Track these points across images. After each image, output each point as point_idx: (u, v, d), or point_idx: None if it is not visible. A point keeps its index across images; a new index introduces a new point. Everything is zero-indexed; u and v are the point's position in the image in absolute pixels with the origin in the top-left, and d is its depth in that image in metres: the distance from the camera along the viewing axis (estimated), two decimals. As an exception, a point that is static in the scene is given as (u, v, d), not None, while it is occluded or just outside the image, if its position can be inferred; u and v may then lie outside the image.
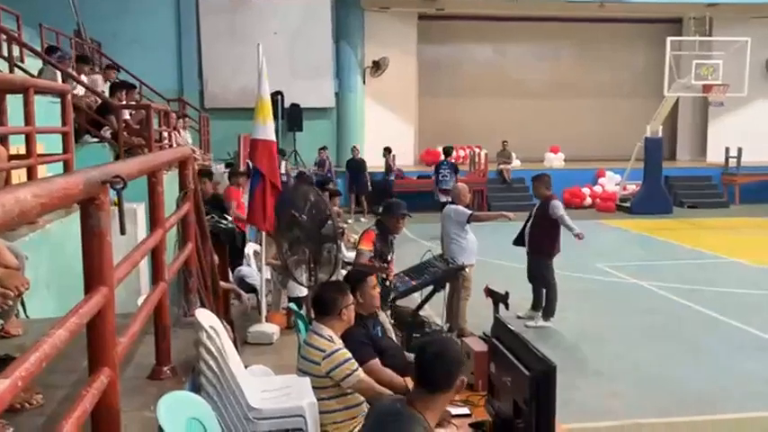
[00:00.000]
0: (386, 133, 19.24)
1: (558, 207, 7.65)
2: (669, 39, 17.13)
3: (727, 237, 14.21)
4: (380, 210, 5.86)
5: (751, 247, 12.97)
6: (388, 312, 5.29)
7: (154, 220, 2.98)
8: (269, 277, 7.20)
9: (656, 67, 19.61)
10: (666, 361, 6.77)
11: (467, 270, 6.93)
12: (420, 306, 6.01)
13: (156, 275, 3.03)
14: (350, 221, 14.69)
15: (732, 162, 19.16)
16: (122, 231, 1.96)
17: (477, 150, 18.84)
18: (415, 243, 12.74)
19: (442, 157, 15.23)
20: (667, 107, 17.49)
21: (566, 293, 9.37)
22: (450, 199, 16.59)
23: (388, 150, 17.27)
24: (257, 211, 6.31)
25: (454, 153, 20.49)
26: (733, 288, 9.72)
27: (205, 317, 3.33)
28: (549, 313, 7.83)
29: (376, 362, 3.77)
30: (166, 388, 2.79)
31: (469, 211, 7.17)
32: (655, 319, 8.22)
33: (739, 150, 18.95)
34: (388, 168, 17.01)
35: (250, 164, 6.60)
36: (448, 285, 6.61)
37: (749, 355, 6.94)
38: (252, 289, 7.12)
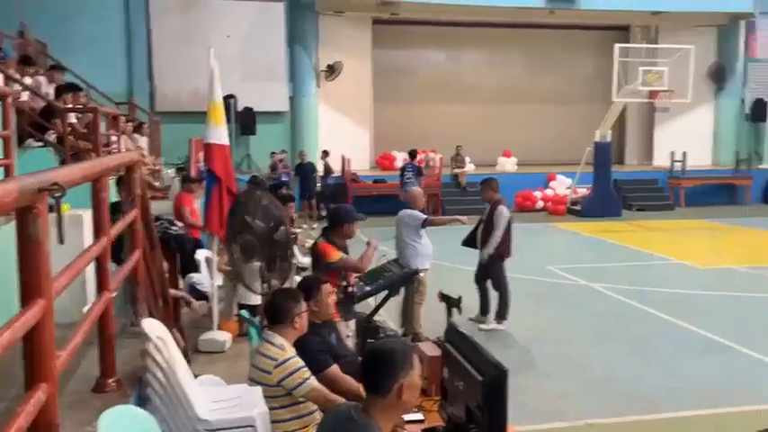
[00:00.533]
0: (341, 137, 19.21)
1: (501, 213, 7.74)
2: (617, 46, 17.53)
3: (675, 239, 14.59)
4: (329, 218, 5.79)
5: (697, 248, 13.35)
6: (353, 321, 5.24)
7: (98, 227, 2.89)
8: (221, 284, 7.09)
9: (604, 73, 20.04)
10: (616, 362, 6.89)
11: (421, 275, 6.94)
12: (375, 311, 5.98)
13: (100, 285, 2.94)
14: (304, 226, 14.59)
15: (677, 166, 19.74)
16: (61, 240, 1.89)
17: (431, 155, 18.94)
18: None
19: (408, 159, 16.01)
20: (616, 112, 17.89)
21: (518, 296, 9.45)
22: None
23: (325, 153, 17.24)
24: (214, 217, 6.22)
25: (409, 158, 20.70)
26: (681, 289, 9.97)
27: (153, 326, 3.25)
28: (502, 315, 7.90)
29: (335, 368, 3.75)
30: (111, 401, 2.70)
31: (424, 216, 7.19)
32: (605, 321, 8.36)
33: (684, 154, 19.53)
34: (327, 171, 16.93)
35: (202, 168, 6.51)
36: (402, 290, 6.59)
37: (696, 355, 7.12)
38: (204, 296, 7.00)
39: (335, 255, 5.45)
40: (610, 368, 6.69)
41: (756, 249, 13.38)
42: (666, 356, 7.08)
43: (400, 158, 20.52)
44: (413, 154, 16.29)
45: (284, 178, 16.47)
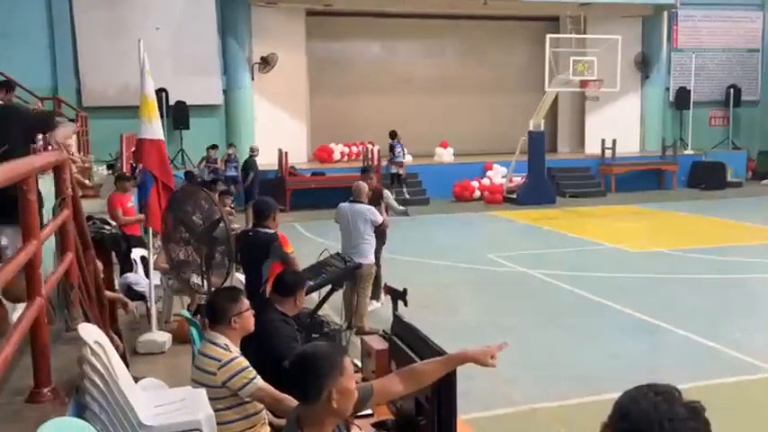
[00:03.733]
0: (278, 130, 18.98)
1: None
2: (548, 36, 17.88)
3: (607, 224, 15.05)
4: (260, 209, 5.77)
5: (628, 233, 13.80)
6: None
7: (26, 230, 2.75)
8: (158, 283, 6.93)
9: (537, 63, 20.44)
10: (556, 346, 7.06)
11: (366, 267, 6.96)
12: (318, 306, 5.96)
13: (31, 290, 2.80)
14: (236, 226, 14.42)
15: (608, 153, 20.31)
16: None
17: (370, 147, 18.93)
18: (310, 241, 12.64)
19: (391, 139, 18.10)
20: (548, 102, 18.26)
21: (458, 285, 9.61)
22: (400, 172, 17.10)
23: (212, 147, 16.87)
24: (155, 214, 6.10)
25: (347, 149, 20.66)
26: (614, 273, 10.29)
27: (89, 331, 3.12)
28: (377, 296, 8.01)
29: None
30: (47, 412, 2.59)
31: (382, 218, 7.36)
32: (545, 306, 8.56)
33: (614, 142, 20.11)
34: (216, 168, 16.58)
35: (135, 165, 6.37)
36: (345, 284, 6.59)
37: (631, 336, 7.36)
38: (140, 297, 6.83)
39: (291, 248, 5.50)
40: (552, 352, 6.85)
41: (683, 232, 13.93)
42: (605, 338, 7.30)
43: (338, 151, 20.44)
44: (394, 133, 18.12)
45: (231, 173, 16.24)
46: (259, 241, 5.57)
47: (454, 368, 2.72)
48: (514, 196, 18.09)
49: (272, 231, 5.63)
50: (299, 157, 19.44)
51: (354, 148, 20.63)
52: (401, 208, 8.91)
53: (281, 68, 19.52)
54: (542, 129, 18.16)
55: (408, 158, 19.69)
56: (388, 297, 5.96)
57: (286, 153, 17.39)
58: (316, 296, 6.29)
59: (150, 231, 6.45)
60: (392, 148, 17.79)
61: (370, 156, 18.35)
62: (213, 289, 4.92)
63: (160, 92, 16.26)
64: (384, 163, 18.29)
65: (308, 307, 5.78)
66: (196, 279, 5.28)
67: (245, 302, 3.60)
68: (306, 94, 20.82)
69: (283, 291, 4.15)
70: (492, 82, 23.23)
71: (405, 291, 5.59)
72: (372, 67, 22.55)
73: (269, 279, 5.32)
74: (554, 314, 8.24)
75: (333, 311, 7.20)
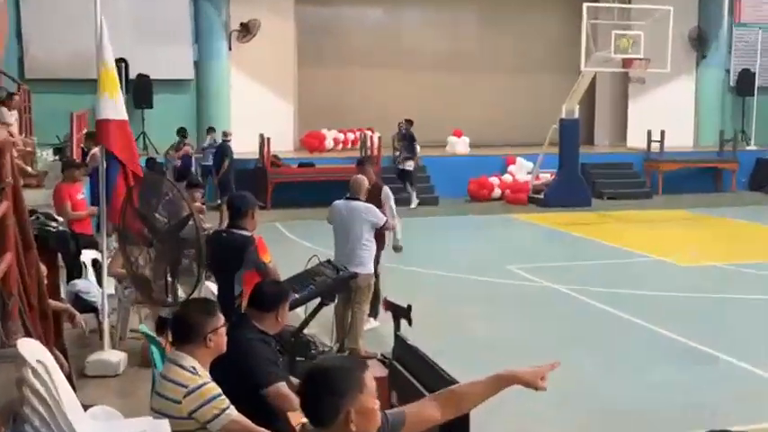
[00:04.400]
0: (258, 112, 18.98)
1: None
2: (585, 5, 17.86)
3: (651, 232, 15.06)
4: (235, 206, 5.79)
5: (676, 243, 13.81)
6: None
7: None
8: (112, 292, 6.95)
9: (571, 38, 20.40)
10: (587, 375, 7.07)
11: (365, 279, 6.99)
12: (305, 323, 5.97)
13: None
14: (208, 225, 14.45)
15: (654, 147, 20.27)
16: None
17: (368, 134, 18.96)
18: (295, 245, 12.65)
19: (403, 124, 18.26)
20: (584, 84, 18.26)
21: (471, 301, 9.63)
22: (410, 168, 17.55)
23: (182, 134, 16.89)
24: (118, 205, 6.08)
25: (342, 136, 20.68)
26: (658, 291, 10.29)
27: (30, 348, 3.14)
28: (375, 312, 8.03)
29: (284, 385, 3.88)
30: (-21, 443, 2.59)
31: (385, 218, 7.34)
32: (573, 328, 8.58)
33: (662, 134, 20.07)
34: (184, 154, 16.57)
35: (86, 151, 6.41)
36: (337, 297, 6.61)
37: (677, 366, 7.37)
38: (91, 308, 6.85)
39: (269, 255, 5.50)
40: (581, 382, 6.85)
41: (742, 243, 13.93)
42: (644, 368, 7.30)
43: (331, 138, 20.46)
44: (411, 123, 18.26)
45: (207, 162, 16.36)
46: (233, 244, 5.60)
47: (499, 390, 2.75)
48: (541, 196, 18.10)
49: (249, 234, 5.65)
50: (284, 145, 19.46)
51: (350, 135, 20.65)
52: (397, 235, 8.37)
53: (263, 37, 19.54)
54: (576, 116, 18.17)
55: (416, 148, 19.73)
56: (389, 314, 6.01)
57: (268, 139, 17.40)
58: (301, 312, 6.30)
59: (104, 230, 6.46)
60: (412, 140, 17.87)
61: (369, 144, 18.38)
62: (180, 300, 4.93)
63: (119, 63, 16.18)
64: (394, 153, 18.27)
65: (292, 324, 5.80)
66: (159, 288, 5.28)
67: (221, 318, 3.61)
68: (293, 68, 20.85)
69: (263, 305, 4.16)
70: (516, 59, 23.24)
71: (409, 307, 5.63)
72: (373, 37, 22.57)
73: (243, 290, 5.33)
74: (585, 337, 8.25)
75: (322, 330, 7.20)
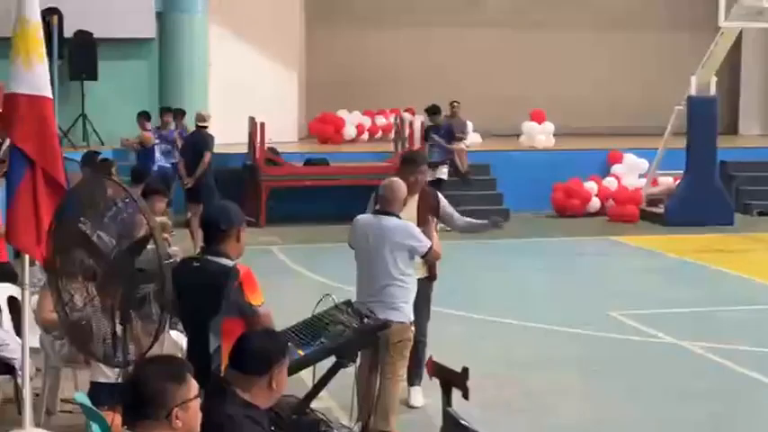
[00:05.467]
0: (248, 88, 19.07)
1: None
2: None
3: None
4: (212, 223, 5.79)
5: None
6: None
7: None
8: (37, 345, 6.97)
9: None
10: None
11: (395, 328, 6.94)
12: (313, 393, 5.94)
13: None
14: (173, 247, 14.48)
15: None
16: None
17: (407, 117, 18.97)
18: (300, 279, 12.66)
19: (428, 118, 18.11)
20: (724, 47, 18.11)
21: (557, 363, 9.52)
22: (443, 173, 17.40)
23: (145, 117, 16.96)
24: (22, 224, 6.12)
25: (368, 121, 20.72)
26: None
27: None
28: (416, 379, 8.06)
29: None
30: None
31: (430, 243, 7.27)
32: (711, 406, 8.42)
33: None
34: (150, 149, 16.63)
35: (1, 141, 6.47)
36: (361, 356, 6.57)
37: None
38: (6, 367, 6.88)
39: (260, 295, 5.44)
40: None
41: None
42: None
43: (352, 123, 20.51)
44: (433, 109, 17.72)
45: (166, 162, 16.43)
46: (209, 279, 5.59)
47: None
48: (660, 210, 18.00)
49: (231, 263, 5.64)
50: (285, 133, 19.55)
51: (380, 120, 20.71)
52: (482, 222, 8.80)
53: (257, -20, 19.71)
54: (713, 93, 18.05)
55: (474, 139, 19.71)
56: (435, 381, 5.95)
57: (262, 125, 17.45)
58: (308, 376, 6.27)
59: (26, 257, 6.48)
60: (450, 135, 17.80)
61: (407, 133, 18.34)
62: (134, 358, 4.91)
63: (48, 14, 16.46)
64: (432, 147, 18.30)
65: (293, 395, 5.77)
66: (103, 342, 5.29)
67: (194, 385, 3.60)
68: (299, 25, 20.99)
69: (250, 366, 4.14)
70: (623, 11, 23.18)
71: (464, 372, 5.55)
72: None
73: (223, 344, 5.32)
74: (728, 419, 8.10)
75: (337, 404, 7.17)
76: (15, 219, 6.19)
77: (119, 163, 13.60)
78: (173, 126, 17.13)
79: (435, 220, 7.94)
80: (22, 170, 6.18)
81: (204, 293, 5.56)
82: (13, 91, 6.24)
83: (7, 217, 6.29)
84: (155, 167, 16.21)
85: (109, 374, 6.06)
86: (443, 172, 17.39)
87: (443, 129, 17.69)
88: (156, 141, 16.65)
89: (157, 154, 16.58)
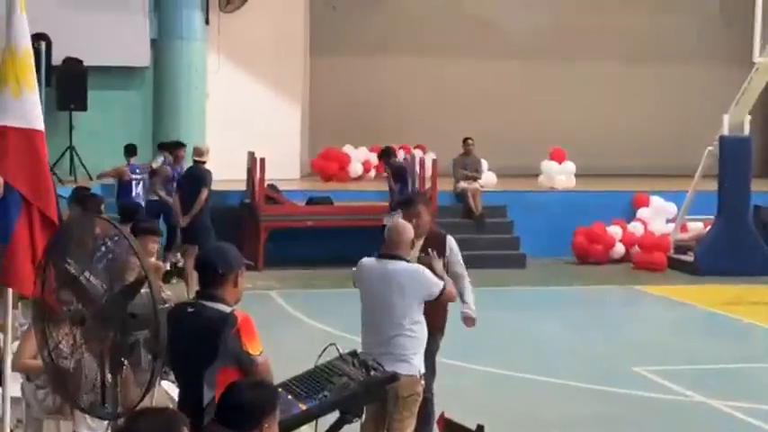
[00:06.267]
0: (248, 120, 19.13)
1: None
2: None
3: None
4: (208, 265, 5.78)
5: None
6: None
7: None
8: (17, 395, 6.97)
9: (734, 10, 20.36)
10: None
11: (404, 382, 6.92)
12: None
13: None
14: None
15: None
16: None
17: (417, 154, 18.99)
18: (301, 327, 12.64)
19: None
20: (758, 84, 18.13)
21: (578, 421, 9.48)
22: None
23: (130, 152, 16.86)
24: (18, 263, 6.09)
25: (375, 157, 20.72)
26: None
27: None
28: None
29: None
30: None
31: (442, 283, 7.27)
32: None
33: None
34: (126, 183, 16.58)
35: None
36: (366, 412, 6.55)
37: None
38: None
39: (259, 344, 5.40)
40: None
41: None
42: None
43: (358, 159, 20.55)
44: (386, 152, 17.33)
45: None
46: (204, 325, 5.57)
47: None
48: (689, 258, 17.95)
49: (228, 309, 5.62)
50: (286, 170, 19.56)
51: (391, 157, 20.74)
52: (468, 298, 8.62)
53: (259, 6, 19.80)
54: (747, 133, 18.08)
55: (489, 178, 19.70)
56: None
57: (261, 160, 17.48)
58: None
59: (8, 299, 6.48)
60: (401, 175, 17.63)
61: (418, 170, 18.36)
62: (122, 411, 4.90)
63: (36, 40, 16.55)
64: (447, 185, 18.31)
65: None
66: (90, 392, 5.29)
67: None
68: (303, 53, 21.05)
69: (237, 422, 4.13)
70: (650, 44, 23.25)
71: (479, 429, 5.54)
72: (426, 9, 22.77)
73: (218, 396, 5.31)
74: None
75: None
76: (14, 260, 6.13)
77: (107, 200, 13.66)
78: (161, 159, 17.01)
79: (440, 261, 7.92)
80: (17, 208, 6.13)
81: (199, 341, 5.54)
82: (2, 124, 6.21)
83: (5, 257, 6.19)
84: (141, 203, 16.22)
85: (93, 426, 6.04)
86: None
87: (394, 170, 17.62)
88: (136, 176, 16.58)
89: (138, 189, 16.51)
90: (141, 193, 16.48)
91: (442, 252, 8.01)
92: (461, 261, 8.24)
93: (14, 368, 6.75)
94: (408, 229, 7.45)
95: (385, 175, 18.46)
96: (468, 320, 8.10)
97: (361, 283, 7.41)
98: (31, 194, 6.14)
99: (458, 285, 8.17)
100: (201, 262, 6.05)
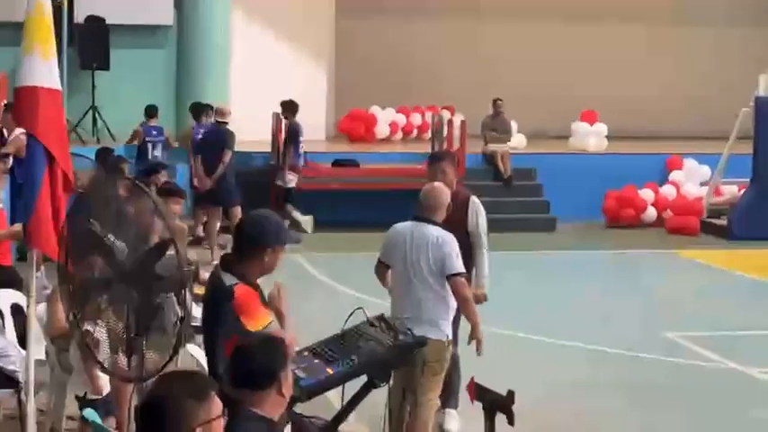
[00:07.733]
0: (271, 81, 19.11)
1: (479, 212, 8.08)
2: None
3: None
4: (239, 237, 5.66)
5: None
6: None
7: None
8: (42, 357, 7.01)
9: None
10: None
11: (432, 346, 6.94)
12: (341, 417, 5.95)
13: None
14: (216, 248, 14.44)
15: None
16: None
17: (445, 115, 18.96)
18: (327, 291, 12.68)
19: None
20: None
21: (608, 388, 9.48)
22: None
23: (150, 113, 16.81)
24: (43, 226, 6.14)
25: (403, 119, 20.68)
26: None
27: None
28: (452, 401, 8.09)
29: None
30: None
31: (463, 269, 7.20)
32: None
33: None
34: (139, 140, 16.52)
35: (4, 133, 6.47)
36: (393, 377, 6.57)
37: None
38: (8, 380, 6.92)
39: (262, 317, 5.28)
40: None
41: None
42: None
43: (385, 121, 20.55)
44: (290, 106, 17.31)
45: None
46: (211, 294, 5.48)
47: None
48: (724, 222, 17.92)
49: (230, 282, 5.47)
50: (312, 131, 19.54)
51: (417, 118, 20.69)
52: (483, 277, 8.50)
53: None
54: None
55: (519, 140, 19.66)
56: (477, 406, 5.95)
57: (287, 122, 17.52)
58: (336, 398, 6.27)
59: (33, 260, 6.51)
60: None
61: (445, 132, 18.32)
62: (149, 374, 4.94)
63: (57, 1, 16.58)
64: (477, 145, 18.26)
65: (320, 417, 5.79)
66: (115, 353, 5.32)
67: (217, 403, 3.60)
68: (329, 14, 20.99)
69: (256, 382, 4.16)
70: (680, 3, 23.10)
71: (510, 395, 5.55)
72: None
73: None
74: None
75: (368, 427, 7.16)
76: (39, 221, 6.19)
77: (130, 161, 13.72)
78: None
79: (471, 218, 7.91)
80: (42, 168, 6.20)
81: (208, 309, 5.52)
82: (33, 84, 6.24)
83: (30, 219, 6.26)
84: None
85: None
86: (288, 179, 17.16)
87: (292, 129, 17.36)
88: (153, 138, 16.56)
89: (156, 152, 16.54)
90: (160, 155, 16.45)
91: (464, 219, 8.01)
92: (485, 227, 8.15)
93: (46, 332, 6.81)
94: (445, 192, 7.40)
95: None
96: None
97: (391, 247, 7.40)
98: (58, 153, 6.20)
99: (474, 257, 8.18)
100: (238, 225, 6.00)
